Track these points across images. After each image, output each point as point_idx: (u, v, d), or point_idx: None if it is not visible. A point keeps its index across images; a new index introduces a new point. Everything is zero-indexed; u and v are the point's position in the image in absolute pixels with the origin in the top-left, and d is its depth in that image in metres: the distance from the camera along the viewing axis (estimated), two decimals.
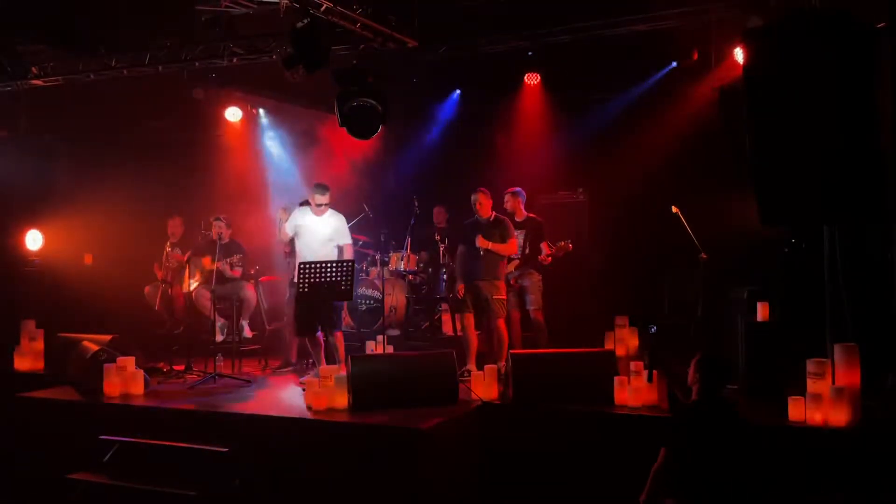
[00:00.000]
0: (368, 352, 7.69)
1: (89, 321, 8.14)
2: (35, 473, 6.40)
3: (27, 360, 7.78)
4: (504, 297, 7.48)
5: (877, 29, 5.18)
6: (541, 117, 10.12)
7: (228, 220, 8.35)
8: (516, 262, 7.93)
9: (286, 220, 7.55)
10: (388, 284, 8.47)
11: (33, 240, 9.12)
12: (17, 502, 6.45)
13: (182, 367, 7.61)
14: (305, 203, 7.46)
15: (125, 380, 6.71)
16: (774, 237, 6.25)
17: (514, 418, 6.02)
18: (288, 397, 6.76)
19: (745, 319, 6.36)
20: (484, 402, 6.15)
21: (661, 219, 7.61)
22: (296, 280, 6.90)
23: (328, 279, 6.78)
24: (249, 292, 8.50)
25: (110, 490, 5.89)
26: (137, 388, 6.74)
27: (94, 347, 6.95)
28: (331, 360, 7.13)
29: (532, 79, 10.01)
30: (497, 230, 7.45)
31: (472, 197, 7.53)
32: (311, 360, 7.75)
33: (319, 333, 7.15)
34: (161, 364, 7.89)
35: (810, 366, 5.39)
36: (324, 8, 6.62)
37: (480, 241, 7.32)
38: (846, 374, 5.27)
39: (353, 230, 7.77)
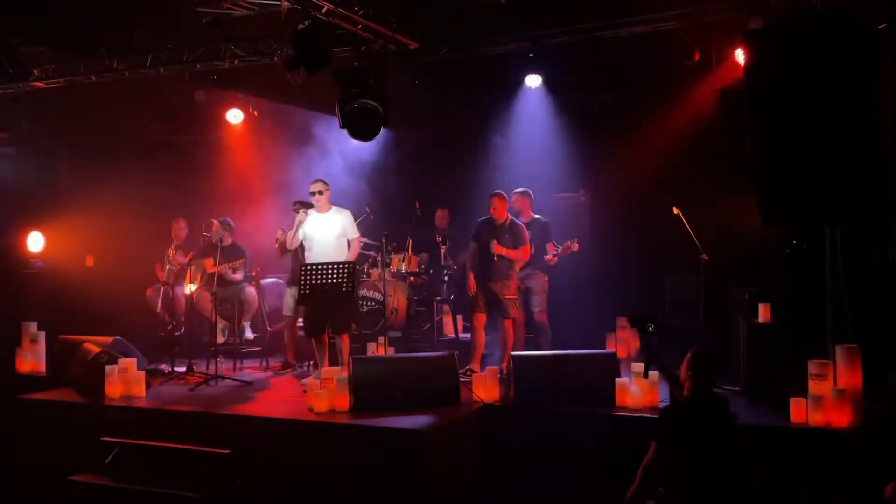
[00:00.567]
0: (370, 353, 7.70)
1: (91, 323, 8.13)
2: (36, 475, 6.40)
3: (28, 362, 7.78)
4: (515, 296, 7.51)
5: (877, 30, 5.18)
6: (541, 118, 10.13)
7: (230, 222, 8.37)
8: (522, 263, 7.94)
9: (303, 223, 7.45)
10: (389, 286, 8.46)
11: (35, 242, 9.13)
12: None
13: (183, 369, 7.61)
14: (310, 206, 7.44)
15: (126, 382, 6.72)
16: (775, 238, 6.24)
17: (516, 420, 6.02)
18: (289, 399, 6.76)
19: (747, 320, 6.37)
20: (485, 404, 6.15)
21: (662, 220, 7.60)
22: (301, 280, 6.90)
23: (330, 281, 6.78)
24: (250, 294, 8.51)
25: (112, 492, 5.89)
26: (139, 390, 6.75)
27: (96, 349, 6.95)
28: (334, 362, 7.12)
29: (533, 80, 10.03)
30: (511, 235, 7.46)
31: (488, 200, 7.54)
32: (311, 362, 7.76)
33: (326, 336, 7.16)
34: (162, 366, 7.91)
35: (812, 367, 5.39)
36: (325, 10, 6.63)
37: (496, 248, 7.35)
38: (848, 375, 5.27)
39: None
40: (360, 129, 7.07)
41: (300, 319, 8.15)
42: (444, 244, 9.14)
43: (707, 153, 8.49)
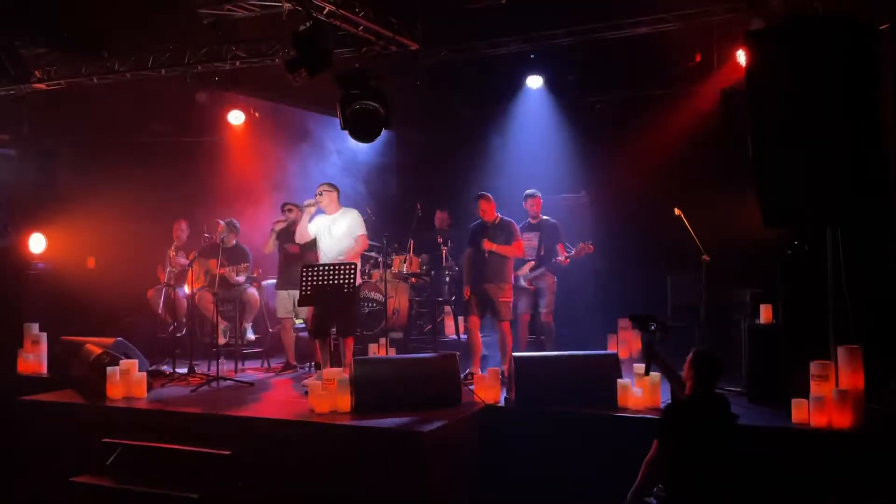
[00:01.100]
0: (371, 354, 7.69)
1: (92, 324, 8.14)
2: (38, 476, 6.40)
3: (30, 363, 7.78)
4: (510, 299, 7.48)
5: (879, 30, 5.18)
6: (543, 119, 10.13)
7: (235, 224, 8.38)
8: (531, 263, 7.93)
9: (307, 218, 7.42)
10: (390, 287, 8.46)
11: (36, 243, 9.13)
12: None
13: (185, 370, 7.62)
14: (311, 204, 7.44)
15: (128, 383, 6.72)
16: (777, 239, 6.24)
17: (517, 421, 6.01)
18: (290, 400, 6.76)
19: (748, 322, 6.36)
20: (486, 405, 6.15)
21: (664, 221, 7.60)
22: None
23: (331, 282, 6.77)
24: (252, 295, 8.52)
25: (113, 493, 5.89)
26: (140, 392, 6.75)
27: (97, 350, 6.95)
28: (336, 363, 7.12)
29: (534, 81, 10.03)
30: (502, 233, 7.45)
31: (474, 203, 7.53)
32: (312, 363, 7.76)
33: (330, 337, 7.15)
34: (164, 367, 7.92)
35: (814, 368, 5.38)
36: (326, 11, 6.64)
37: (486, 244, 7.34)
38: (850, 376, 5.26)
39: None
40: (362, 130, 7.07)
41: (297, 321, 8.16)
42: (446, 245, 9.14)
43: (708, 154, 8.49)
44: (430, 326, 9.36)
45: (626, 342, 7.95)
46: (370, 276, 8.91)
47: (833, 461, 5.05)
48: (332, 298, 6.77)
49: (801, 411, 5.32)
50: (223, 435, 5.95)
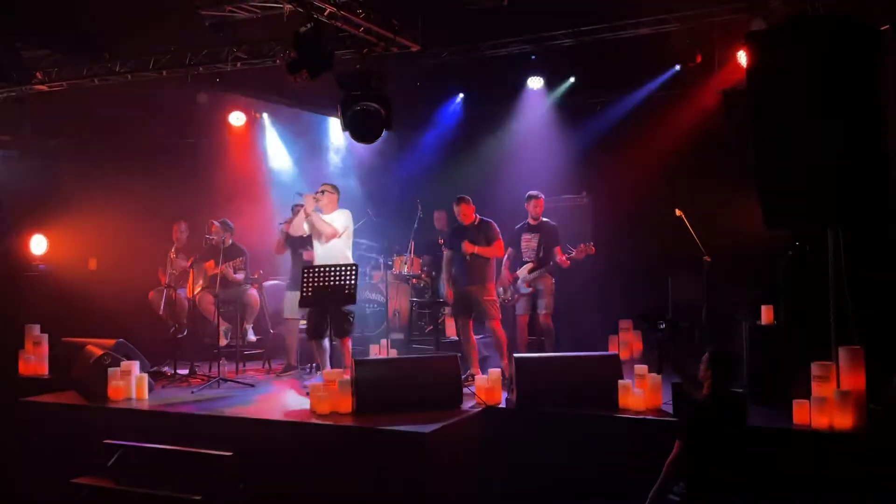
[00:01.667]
0: (372, 355, 7.69)
1: (93, 326, 8.13)
2: (39, 478, 6.40)
3: (31, 364, 7.78)
4: (495, 297, 7.46)
5: (880, 31, 5.18)
6: (544, 120, 10.13)
7: (229, 223, 8.38)
8: (531, 265, 7.92)
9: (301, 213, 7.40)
10: (391, 288, 8.46)
11: (38, 244, 9.14)
12: None
13: (186, 372, 7.62)
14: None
15: (129, 384, 6.73)
16: (778, 240, 6.24)
17: (518, 422, 6.01)
18: (292, 401, 6.76)
19: (749, 322, 6.36)
20: (487, 406, 6.15)
21: (665, 222, 7.61)
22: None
23: (332, 283, 6.77)
24: (252, 296, 8.52)
25: (114, 494, 5.88)
26: (141, 393, 6.76)
27: (99, 352, 6.95)
28: (336, 364, 7.11)
29: (535, 82, 10.03)
30: (482, 234, 7.42)
31: (455, 207, 7.51)
32: (313, 364, 7.75)
33: (327, 339, 7.15)
34: (165, 368, 7.92)
35: (815, 369, 5.38)
36: (327, 12, 6.63)
37: (466, 246, 7.31)
38: (851, 377, 5.25)
39: (356, 234, 7.76)
40: (363, 131, 7.08)
41: (302, 322, 8.16)
42: (446, 246, 9.13)
43: (709, 155, 8.49)
44: (431, 327, 9.35)
45: (627, 343, 7.95)
46: (371, 277, 8.91)
47: (834, 462, 5.05)
48: (333, 301, 6.77)
49: (802, 412, 5.32)
50: (225, 436, 5.95)
